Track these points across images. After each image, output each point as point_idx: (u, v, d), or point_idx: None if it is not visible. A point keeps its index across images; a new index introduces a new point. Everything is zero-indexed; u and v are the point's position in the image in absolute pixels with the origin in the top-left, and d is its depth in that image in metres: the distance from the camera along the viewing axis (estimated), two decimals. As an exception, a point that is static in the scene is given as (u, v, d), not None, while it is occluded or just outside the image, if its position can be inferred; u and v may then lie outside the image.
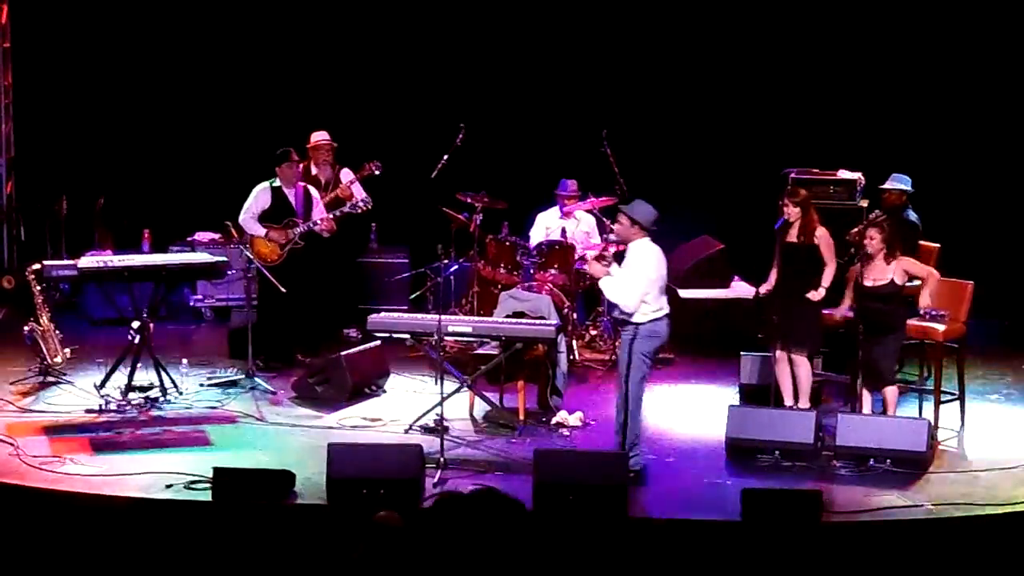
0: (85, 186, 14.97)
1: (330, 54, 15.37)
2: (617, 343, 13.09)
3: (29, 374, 11.99)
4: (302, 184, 12.67)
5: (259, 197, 12.47)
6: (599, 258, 10.07)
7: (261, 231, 12.44)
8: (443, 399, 10.51)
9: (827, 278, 10.90)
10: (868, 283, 10.57)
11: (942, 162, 14.45)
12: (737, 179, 14.62)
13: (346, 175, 13.33)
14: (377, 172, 13.27)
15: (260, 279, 12.23)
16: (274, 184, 12.50)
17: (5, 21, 15.00)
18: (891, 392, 10.65)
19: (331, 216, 12.66)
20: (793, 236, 10.96)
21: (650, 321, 9.82)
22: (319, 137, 13.37)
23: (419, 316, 11.76)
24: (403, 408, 11.43)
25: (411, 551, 5.99)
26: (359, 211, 12.91)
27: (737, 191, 14.41)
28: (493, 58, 15.28)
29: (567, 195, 13.60)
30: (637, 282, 9.76)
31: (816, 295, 10.84)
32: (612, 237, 10.21)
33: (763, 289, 11.11)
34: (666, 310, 9.92)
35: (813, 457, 10.29)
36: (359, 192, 13.32)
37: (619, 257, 10.06)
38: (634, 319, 9.82)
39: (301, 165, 12.75)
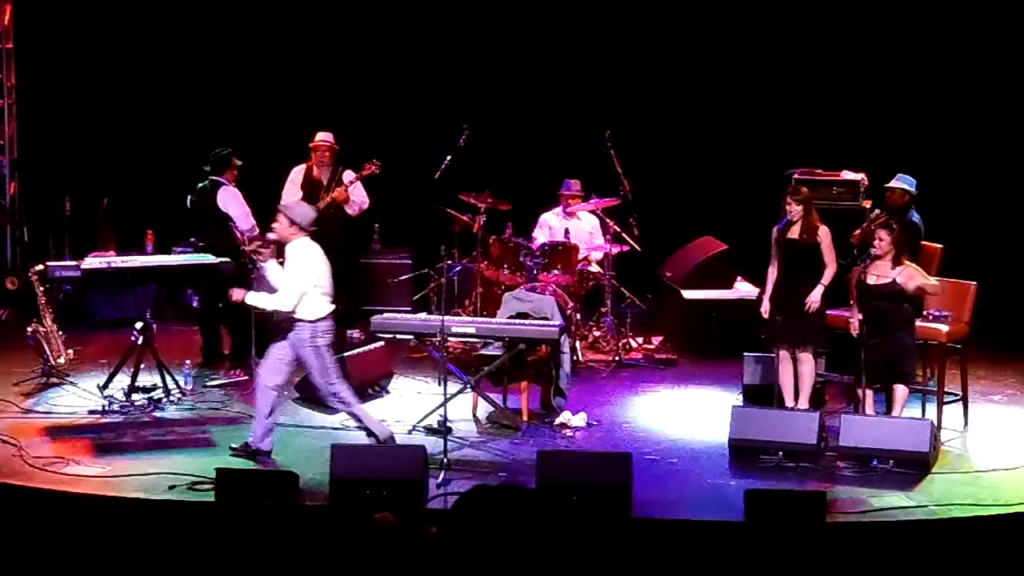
0: (88, 187, 14.97)
1: (334, 54, 15.38)
2: (621, 343, 13.19)
3: (32, 375, 12.00)
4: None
5: (240, 201, 12.59)
6: (256, 252, 10.15)
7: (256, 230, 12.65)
8: (446, 400, 10.52)
9: (827, 277, 10.90)
10: (871, 281, 10.57)
11: (946, 163, 14.45)
12: (740, 180, 14.63)
13: (348, 176, 13.34)
14: (376, 171, 13.27)
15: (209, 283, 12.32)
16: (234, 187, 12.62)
17: (8, 22, 15.01)
18: (901, 391, 10.64)
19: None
20: (795, 234, 10.96)
21: (322, 318, 10.06)
22: (320, 138, 13.38)
23: (422, 317, 11.75)
24: (406, 409, 11.44)
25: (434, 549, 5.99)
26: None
27: (740, 192, 14.41)
28: (496, 59, 15.28)
29: (570, 194, 13.61)
30: (296, 281, 9.98)
31: (813, 299, 10.83)
32: (271, 236, 10.27)
33: (767, 295, 11.08)
34: (330, 308, 10.14)
35: (816, 458, 10.30)
36: (359, 194, 13.34)
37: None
38: (307, 316, 10.02)
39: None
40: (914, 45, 14.81)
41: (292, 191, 13.34)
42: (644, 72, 15.28)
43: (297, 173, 13.40)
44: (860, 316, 10.61)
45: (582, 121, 14.51)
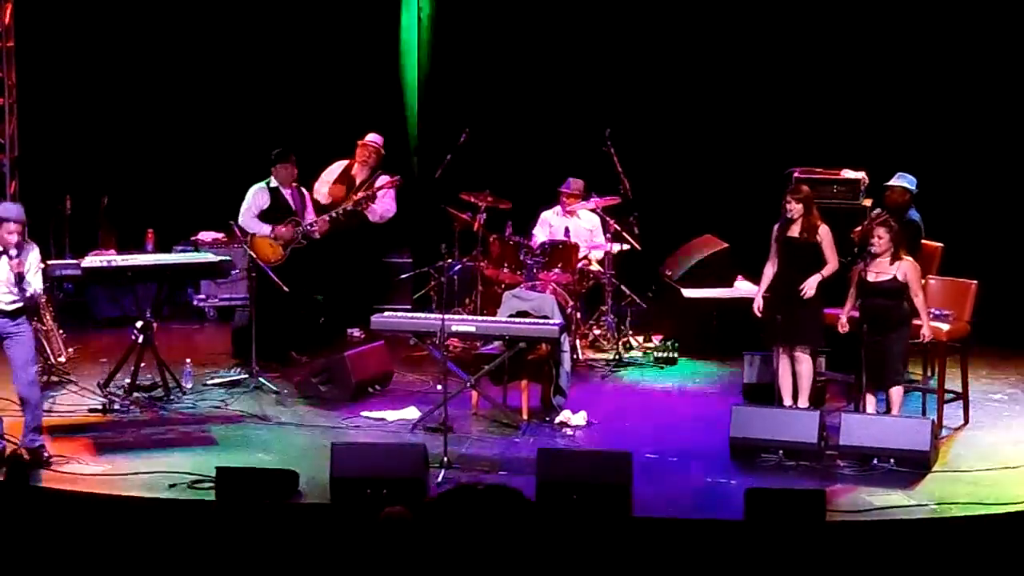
0: (89, 185, 14.97)
1: (335, 53, 15.35)
2: (622, 341, 13.18)
3: (33, 374, 11.98)
4: (295, 184, 12.72)
5: (257, 197, 12.57)
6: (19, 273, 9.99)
7: (266, 229, 12.52)
8: (447, 398, 10.52)
9: (828, 270, 10.88)
10: (871, 278, 10.56)
11: (947, 161, 14.42)
12: (740, 178, 14.61)
13: (381, 180, 13.34)
14: (396, 186, 13.33)
15: (257, 280, 12.23)
16: (270, 184, 12.57)
17: (9, 21, 14.99)
18: (896, 392, 10.64)
19: (325, 218, 12.74)
20: (795, 232, 10.95)
21: None
22: (370, 139, 13.41)
23: (423, 316, 11.76)
24: (407, 408, 11.43)
25: (421, 544, 6.00)
26: (364, 207, 12.95)
27: (740, 190, 14.40)
28: (497, 58, 15.26)
29: (568, 192, 13.59)
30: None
31: (809, 285, 10.82)
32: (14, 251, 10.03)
33: (760, 292, 11.09)
34: None
35: (817, 457, 10.30)
36: (383, 202, 13.33)
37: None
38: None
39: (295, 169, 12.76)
40: (914, 44, 14.78)
41: (323, 186, 13.37)
42: (645, 71, 15.26)
43: (334, 169, 13.45)
44: (853, 314, 10.62)
45: (582, 120, 14.50)
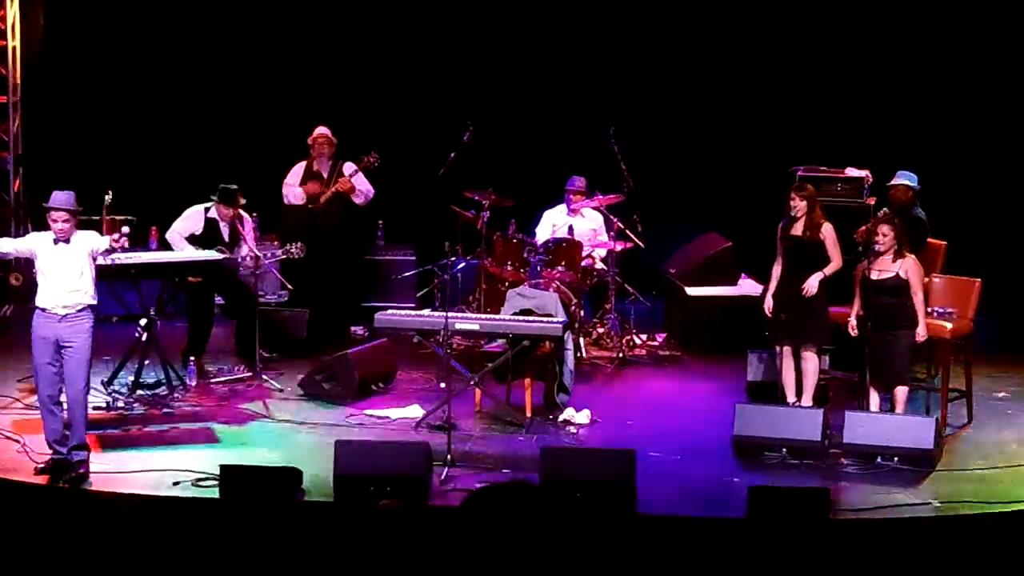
0: (92, 183, 14.93)
1: (337, 52, 15.37)
2: (625, 340, 13.18)
3: (36, 371, 11.98)
4: (238, 215, 12.32)
5: (192, 219, 12.31)
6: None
7: (183, 251, 12.25)
8: (450, 396, 10.52)
9: (830, 269, 10.89)
10: (874, 276, 10.56)
11: (950, 159, 14.43)
12: (744, 177, 14.61)
13: (348, 168, 13.35)
14: (374, 164, 13.28)
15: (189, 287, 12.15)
16: (209, 213, 12.30)
17: (13, 19, 15.00)
18: (901, 391, 10.63)
19: (259, 255, 12.23)
20: (799, 230, 10.95)
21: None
22: (319, 131, 13.42)
23: (426, 313, 11.75)
24: (410, 406, 11.43)
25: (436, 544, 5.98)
26: (295, 256, 12.35)
27: (744, 189, 14.40)
28: (500, 56, 15.27)
29: (574, 190, 13.60)
30: None
31: (810, 283, 10.82)
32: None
33: (770, 292, 11.08)
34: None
35: (820, 455, 10.29)
36: (362, 183, 13.35)
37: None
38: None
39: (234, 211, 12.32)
40: (916, 42, 14.79)
41: (291, 188, 13.37)
42: (648, 69, 15.27)
43: (296, 171, 13.45)
44: (859, 313, 10.61)
45: (586, 118, 14.50)
